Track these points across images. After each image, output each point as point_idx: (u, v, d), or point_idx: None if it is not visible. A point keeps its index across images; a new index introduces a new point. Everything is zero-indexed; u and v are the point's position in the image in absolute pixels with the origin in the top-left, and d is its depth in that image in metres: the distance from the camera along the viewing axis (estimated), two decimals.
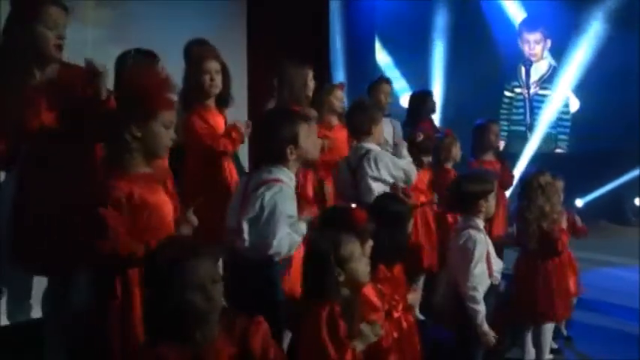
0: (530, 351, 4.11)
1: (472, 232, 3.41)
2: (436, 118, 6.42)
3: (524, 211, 3.98)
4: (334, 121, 4.62)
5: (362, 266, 2.63)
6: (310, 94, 4.41)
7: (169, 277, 1.97)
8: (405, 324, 3.12)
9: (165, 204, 2.57)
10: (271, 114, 3.32)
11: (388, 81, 5.73)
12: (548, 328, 4.04)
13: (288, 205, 2.90)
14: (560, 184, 4.19)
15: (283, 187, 2.89)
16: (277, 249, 2.85)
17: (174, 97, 3.29)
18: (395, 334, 3.05)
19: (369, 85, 5.72)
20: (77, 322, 2.82)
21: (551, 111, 9.19)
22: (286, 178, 2.94)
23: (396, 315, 3.08)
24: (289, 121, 3.01)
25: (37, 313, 3.22)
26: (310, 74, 4.39)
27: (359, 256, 2.61)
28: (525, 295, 4.00)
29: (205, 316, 2.02)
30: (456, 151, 5.04)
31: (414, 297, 3.33)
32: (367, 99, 4.64)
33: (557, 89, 9.15)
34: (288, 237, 2.88)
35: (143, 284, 2.20)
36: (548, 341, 4.07)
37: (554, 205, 3.99)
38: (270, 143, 2.99)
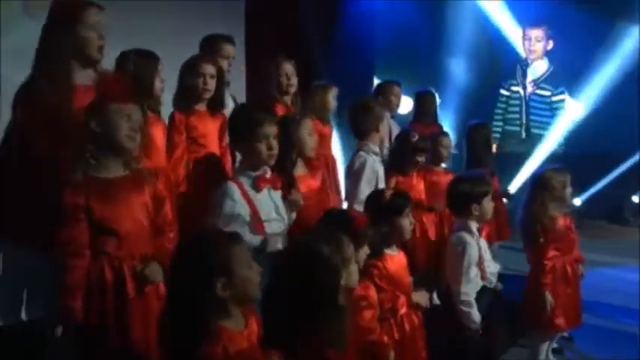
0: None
1: (464, 235, 3.34)
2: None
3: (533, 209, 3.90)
4: (327, 118, 4.67)
5: (356, 271, 2.43)
6: (291, 90, 4.36)
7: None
8: (407, 326, 3.00)
9: (141, 207, 2.52)
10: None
11: (399, 83, 5.82)
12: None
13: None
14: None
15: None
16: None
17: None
18: (396, 336, 2.94)
19: (377, 85, 5.81)
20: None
21: (548, 113, 9.18)
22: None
23: (400, 313, 2.95)
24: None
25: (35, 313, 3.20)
26: (288, 68, 4.32)
27: (353, 259, 2.43)
28: (537, 301, 3.86)
29: None
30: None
31: (419, 296, 3.10)
32: (370, 98, 4.66)
33: (555, 90, 9.13)
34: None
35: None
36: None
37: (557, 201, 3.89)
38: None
